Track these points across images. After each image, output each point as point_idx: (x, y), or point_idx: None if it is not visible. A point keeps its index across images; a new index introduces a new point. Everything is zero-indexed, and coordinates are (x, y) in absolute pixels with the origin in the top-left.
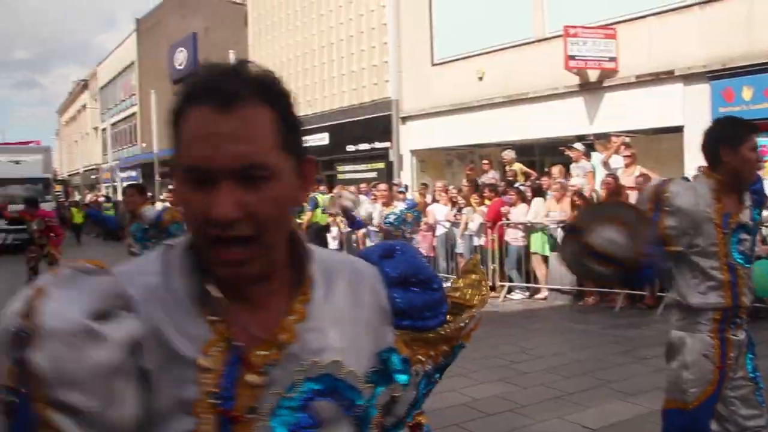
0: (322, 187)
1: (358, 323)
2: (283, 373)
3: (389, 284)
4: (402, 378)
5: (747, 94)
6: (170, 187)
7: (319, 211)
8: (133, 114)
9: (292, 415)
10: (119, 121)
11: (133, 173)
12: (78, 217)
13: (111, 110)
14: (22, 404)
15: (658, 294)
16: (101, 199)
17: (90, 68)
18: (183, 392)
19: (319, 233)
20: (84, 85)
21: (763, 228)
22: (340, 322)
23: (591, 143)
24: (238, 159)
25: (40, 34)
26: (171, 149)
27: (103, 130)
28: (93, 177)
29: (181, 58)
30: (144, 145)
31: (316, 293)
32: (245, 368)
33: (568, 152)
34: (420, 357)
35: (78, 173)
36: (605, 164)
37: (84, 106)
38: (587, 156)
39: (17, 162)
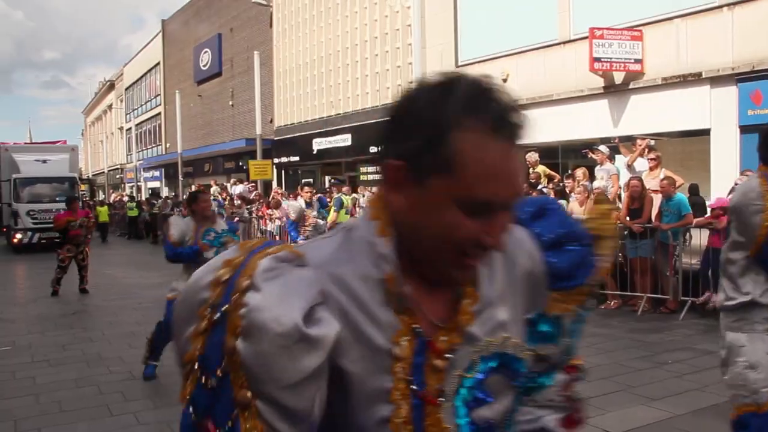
0: (345, 188)
1: (515, 292)
2: (463, 355)
3: (544, 247)
4: (553, 339)
5: None
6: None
7: (343, 211)
8: (158, 114)
9: (470, 393)
10: (144, 122)
11: (157, 173)
12: (104, 216)
13: (136, 110)
14: (224, 384)
15: (681, 298)
16: (125, 198)
17: (116, 69)
18: (380, 382)
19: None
20: (110, 86)
21: None
22: (503, 296)
23: (615, 146)
24: (519, 194)
25: (69, 35)
26: (431, 166)
27: (128, 130)
28: (117, 176)
29: (206, 58)
30: (168, 145)
31: (482, 274)
32: (432, 354)
33: (591, 155)
34: (567, 308)
35: (102, 173)
36: (629, 167)
37: (110, 107)
38: (611, 159)
39: (44, 161)
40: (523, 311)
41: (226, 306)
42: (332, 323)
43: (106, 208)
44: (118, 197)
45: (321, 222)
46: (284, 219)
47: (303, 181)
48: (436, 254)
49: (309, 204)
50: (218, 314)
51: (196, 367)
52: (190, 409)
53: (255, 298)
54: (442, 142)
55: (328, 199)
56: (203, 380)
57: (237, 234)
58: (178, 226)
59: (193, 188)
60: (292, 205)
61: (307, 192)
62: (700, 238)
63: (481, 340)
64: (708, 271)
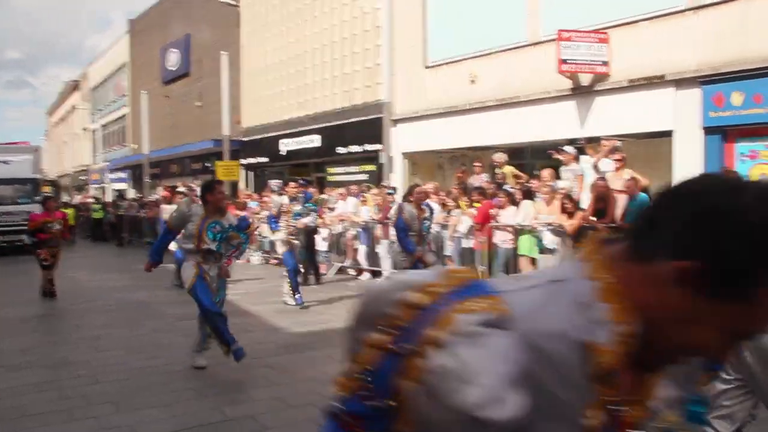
0: (311, 190)
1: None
2: (645, 429)
3: None
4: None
5: (737, 99)
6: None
7: None
8: (124, 115)
9: None
10: (110, 123)
11: (123, 174)
12: (72, 218)
13: (101, 111)
14: (390, 414)
15: None
16: (90, 200)
17: (81, 69)
18: None
19: (309, 235)
20: (74, 86)
21: None
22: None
23: (581, 147)
24: None
25: (33, 35)
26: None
27: (93, 131)
28: (82, 178)
29: (173, 59)
30: (135, 146)
31: None
32: (620, 427)
33: (557, 156)
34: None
35: (67, 174)
36: (595, 167)
37: (74, 107)
38: (577, 159)
39: (5, 162)
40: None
41: (411, 346)
42: (521, 404)
43: (72, 210)
44: (83, 199)
45: (310, 220)
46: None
47: (299, 179)
48: (684, 354)
49: (294, 199)
50: (399, 346)
51: (364, 375)
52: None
53: (447, 361)
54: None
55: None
56: (366, 392)
57: (247, 231)
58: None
59: (160, 190)
60: (273, 201)
61: (293, 188)
62: None
63: (658, 413)
64: None
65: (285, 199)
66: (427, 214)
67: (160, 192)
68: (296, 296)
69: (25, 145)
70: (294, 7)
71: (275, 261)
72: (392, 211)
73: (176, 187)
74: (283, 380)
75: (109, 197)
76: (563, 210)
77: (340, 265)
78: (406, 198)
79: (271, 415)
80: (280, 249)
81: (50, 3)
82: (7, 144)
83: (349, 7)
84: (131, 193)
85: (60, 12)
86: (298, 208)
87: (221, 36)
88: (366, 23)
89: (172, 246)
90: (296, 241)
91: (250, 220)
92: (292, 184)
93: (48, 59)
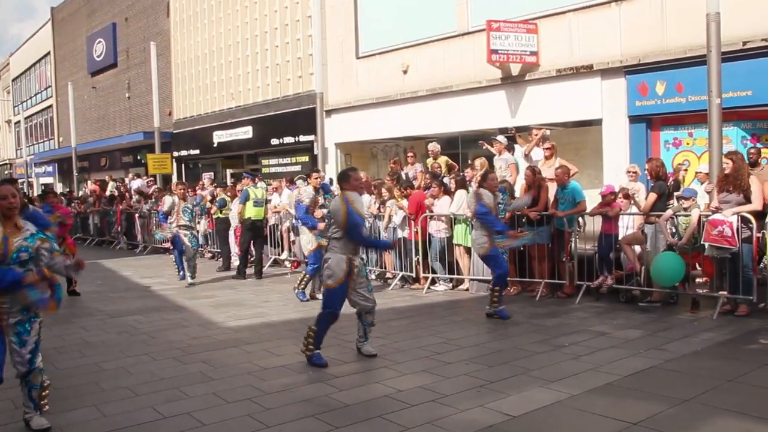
0: (252, 181)
1: None
2: None
3: None
4: None
5: (660, 88)
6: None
7: (251, 204)
8: (49, 107)
9: None
10: (34, 114)
11: (50, 168)
12: None
13: (25, 103)
14: None
15: (577, 283)
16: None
17: (2, 59)
18: None
19: (252, 228)
20: None
21: (678, 218)
22: None
23: (512, 136)
24: None
25: None
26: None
27: (17, 123)
28: (6, 173)
29: (99, 49)
30: (61, 139)
31: None
32: None
33: (487, 146)
34: None
35: None
36: (526, 156)
37: None
38: (510, 149)
39: None
40: None
41: None
42: None
43: None
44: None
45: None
46: (294, 205)
47: (313, 168)
48: None
49: (317, 191)
50: None
51: None
52: None
53: None
54: None
55: (234, 193)
56: None
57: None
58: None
59: (89, 183)
60: (306, 191)
61: (316, 178)
62: (593, 224)
63: None
64: (602, 256)
65: (310, 190)
66: (500, 199)
67: (90, 186)
68: (297, 293)
69: None
70: None
71: (209, 255)
72: (469, 199)
73: (105, 180)
74: (218, 375)
75: (36, 192)
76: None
77: (275, 257)
78: (481, 184)
79: (207, 412)
80: (306, 249)
81: None
82: None
83: None
84: (59, 188)
85: None
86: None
87: (149, 25)
88: (297, 13)
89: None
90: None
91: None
92: (315, 174)
93: None
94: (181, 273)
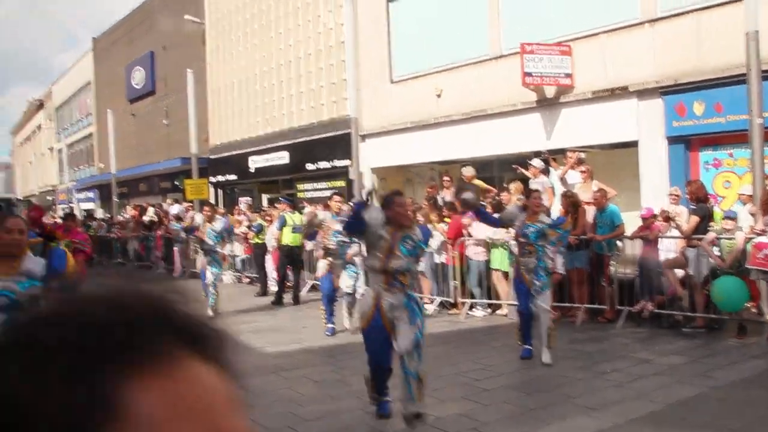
0: (283, 205)
1: None
2: None
3: None
4: None
5: (698, 108)
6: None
7: (288, 230)
8: (90, 134)
9: None
10: (75, 142)
11: (90, 194)
12: None
13: (67, 130)
14: None
15: (617, 308)
16: (59, 220)
17: (46, 88)
18: None
19: (290, 254)
20: (39, 105)
21: (722, 240)
22: None
23: (546, 159)
24: None
25: None
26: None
27: (59, 150)
28: (49, 198)
29: (138, 77)
30: (101, 165)
31: None
32: None
33: (521, 171)
34: None
35: (33, 195)
36: (562, 180)
37: (39, 126)
38: (547, 172)
39: None
40: None
41: None
42: None
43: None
44: (52, 219)
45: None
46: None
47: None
48: None
49: (338, 215)
50: None
51: None
52: None
53: None
54: None
55: (270, 218)
56: None
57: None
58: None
59: (129, 209)
60: (326, 216)
61: (336, 201)
62: (633, 247)
63: None
64: (643, 280)
65: (327, 215)
66: (543, 224)
67: (129, 211)
68: (328, 325)
69: None
70: (258, 24)
71: (247, 280)
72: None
73: (144, 206)
74: (258, 402)
75: (78, 217)
76: None
77: (312, 282)
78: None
79: None
80: (320, 272)
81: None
82: None
83: (312, 23)
84: (100, 213)
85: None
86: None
87: (186, 53)
88: (330, 39)
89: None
90: (337, 262)
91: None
92: (336, 198)
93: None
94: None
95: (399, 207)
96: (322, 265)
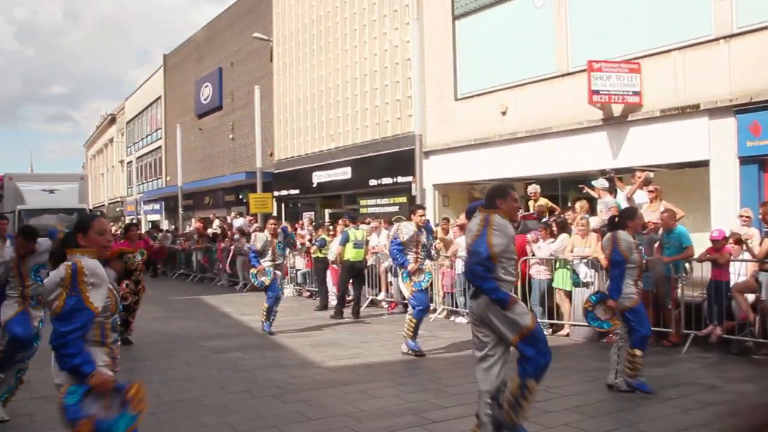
0: (353, 222)
1: None
2: None
3: None
4: None
5: None
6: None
7: (350, 245)
8: (158, 148)
9: None
10: (144, 155)
11: (157, 206)
12: None
13: (137, 144)
14: None
15: (684, 332)
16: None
17: (118, 103)
18: None
19: (351, 269)
20: (111, 119)
21: None
22: None
23: (611, 178)
24: None
25: (76, 70)
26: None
27: (129, 163)
28: (118, 209)
29: (206, 92)
30: (168, 178)
31: None
32: None
33: (587, 190)
34: None
35: (102, 205)
36: (629, 200)
37: (111, 140)
38: (612, 192)
39: (51, 191)
40: None
41: None
42: None
43: None
44: (118, 229)
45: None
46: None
47: (416, 204)
48: None
49: (420, 229)
50: None
51: None
52: None
53: None
54: None
55: (335, 233)
56: None
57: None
58: (261, 240)
59: (194, 221)
60: (407, 228)
61: (421, 215)
62: (702, 270)
63: None
64: (711, 304)
65: (412, 227)
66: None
67: (194, 224)
68: (410, 342)
69: (71, 173)
70: (324, 41)
71: (308, 294)
72: (604, 242)
73: (209, 218)
74: (317, 415)
75: (143, 228)
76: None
77: (372, 298)
78: (619, 225)
79: None
80: (406, 291)
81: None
82: (53, 173)
83: (378, 40)
84: (165, 225)
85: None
86: (424, 239)
87: (254, 69)
88: (396, 56)
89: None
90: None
91: None
92: (419, 211)
93: (90, 94)
94: (267, 324)
95: (513, 201)
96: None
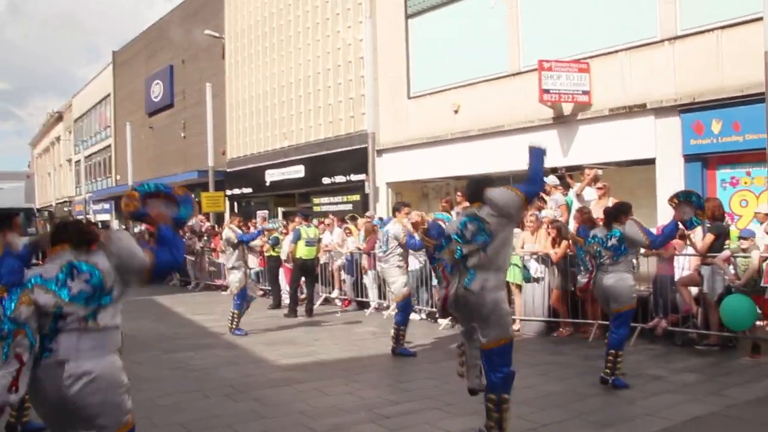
0: (306, 220)
1: None
2: None
3: None
4: None
5: (716, 127)
6: None
7: (302, 243)
8: (108, 146)
9: None
10: (93, 154)
11: (107, 205)
12: None
13: (85, 142)
14: None
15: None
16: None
17: (65, 101)
18: None
19: (303, 268)
20: (58, 117)
21: (737, 258)
22: None
23: (562, 176)
24: None
25: (22, 66)
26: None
27: (77, 162)
28: (66, 209)
29: (157, 90)
30: (118, 177)
31: None
32: None
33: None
34: None
35: (50, 205)
36: (578, 196)
37: (58, 138)
38: (564, 188)
39: None
40: None
41: None
42: None
43: None
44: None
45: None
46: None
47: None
48: None
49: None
50: None
51: None
52: None
53: None
54: None
55: (286, 231)
56: None
57: None
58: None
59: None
60: (395, 229)
61: (405, 213)
62: (647, 265)
63: None
64: (657, 297)
65: (399, 228)
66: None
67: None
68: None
69: (15, 171)
70: (277, 39)
71: (261, 293)
72: (632, 230)
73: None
74: (270, 414)
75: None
76: (552, 240)
77: (325, 296)
78: (615, 218)
79: None
80: (401, 293)
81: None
82: None
83: (331, 38)
84: (116, 224)
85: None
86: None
87: (205, 67)
88: (349, 54)
89: None
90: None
91: None
92: (405, 209)
93: (36, 91)
94: (239, 330)
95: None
96: (405, 283)
